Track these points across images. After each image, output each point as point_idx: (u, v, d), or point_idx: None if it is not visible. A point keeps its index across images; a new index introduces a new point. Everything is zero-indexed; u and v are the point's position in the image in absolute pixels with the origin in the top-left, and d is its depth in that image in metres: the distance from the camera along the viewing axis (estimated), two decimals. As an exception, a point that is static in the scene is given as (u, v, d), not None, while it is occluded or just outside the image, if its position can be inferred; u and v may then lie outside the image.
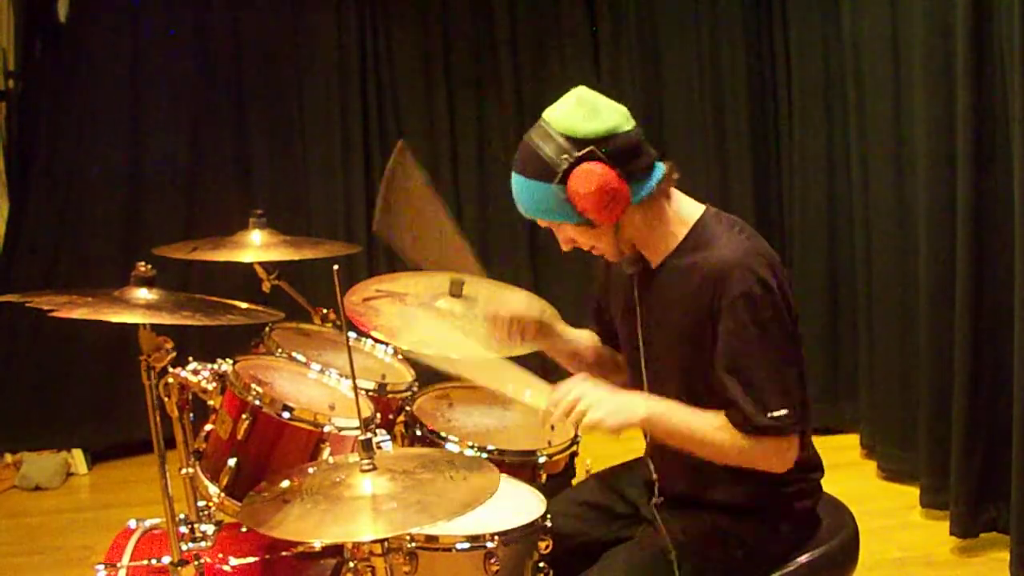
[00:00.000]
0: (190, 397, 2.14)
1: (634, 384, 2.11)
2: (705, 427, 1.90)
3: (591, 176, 1.85)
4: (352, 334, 2.56)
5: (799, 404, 1.89)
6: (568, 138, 1.86)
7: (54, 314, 1.83)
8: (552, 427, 2.57)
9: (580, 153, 1.85)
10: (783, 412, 1.86)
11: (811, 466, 2.07)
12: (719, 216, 2.01)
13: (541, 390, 2.00)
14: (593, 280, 2.30)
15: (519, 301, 2.30)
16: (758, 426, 1.86)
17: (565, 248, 2.02)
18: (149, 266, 1.97)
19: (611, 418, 1.86)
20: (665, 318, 1.99)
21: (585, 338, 2.33)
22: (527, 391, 2.02)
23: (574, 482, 2.49)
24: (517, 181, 1.93)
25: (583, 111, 1.88)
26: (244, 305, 2.16)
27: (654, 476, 2.10)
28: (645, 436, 2.16)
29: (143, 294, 1.94)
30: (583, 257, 2.08)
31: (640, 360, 2.07)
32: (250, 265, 2.77)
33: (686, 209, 2.00)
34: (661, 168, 1.95)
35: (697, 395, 1.95)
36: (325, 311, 2.90)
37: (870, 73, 3.83)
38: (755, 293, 1.86)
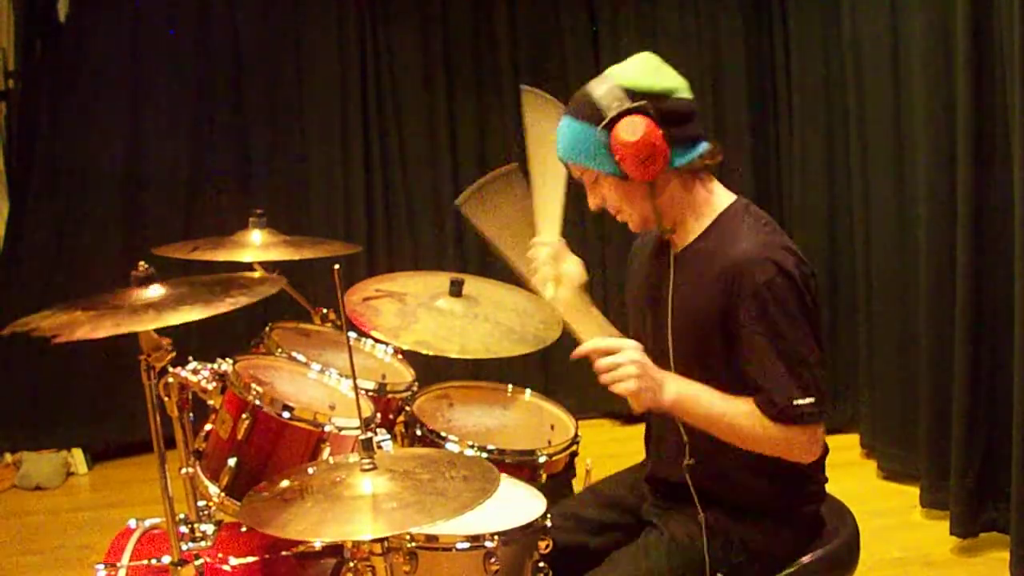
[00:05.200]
0: (190, 397, 2.13)
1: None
2: (734, 412, 1.89)
3: (636, 126, 1.86)
4: (352, 334, 2.56)
5: (822, 395, 1.88)
6: (624, 88, 1.88)
7: (57, 341, 1.83)
8: (552, 427, 2.57)
9: (632, 104, 1.87)
10: (809, 400, 1.86)
11: (820, 469, 2.06)
12: (748, 208, 2.00)
13: (597, 329, 1.95)
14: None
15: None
16: (786, 414, 1.86)
17: (593, 207, 2.00)
18: (149, 266, 1.97)
19: (642, 394, 1.85)
20: (686, 304, 1.98)
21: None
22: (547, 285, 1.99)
23: (574, 482, 2.49)
24: (564, 122, 1.95)
25: (646, 67, 1.92)
26: (242, 280, 2.10)
27: (685, 439, 2.02)
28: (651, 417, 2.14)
29: (143, 295, 1.94)
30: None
31: (668, 345, 2.01)
32: (250, 265, 2.77)
33: (718, 196, 2.00)
34: (706, 145, 1.95)
35: (719, 384, 1.93)
36: (325, 311, 2.90)
37: (870, 73, 3.83)
38: (777, 282, 1.86)
